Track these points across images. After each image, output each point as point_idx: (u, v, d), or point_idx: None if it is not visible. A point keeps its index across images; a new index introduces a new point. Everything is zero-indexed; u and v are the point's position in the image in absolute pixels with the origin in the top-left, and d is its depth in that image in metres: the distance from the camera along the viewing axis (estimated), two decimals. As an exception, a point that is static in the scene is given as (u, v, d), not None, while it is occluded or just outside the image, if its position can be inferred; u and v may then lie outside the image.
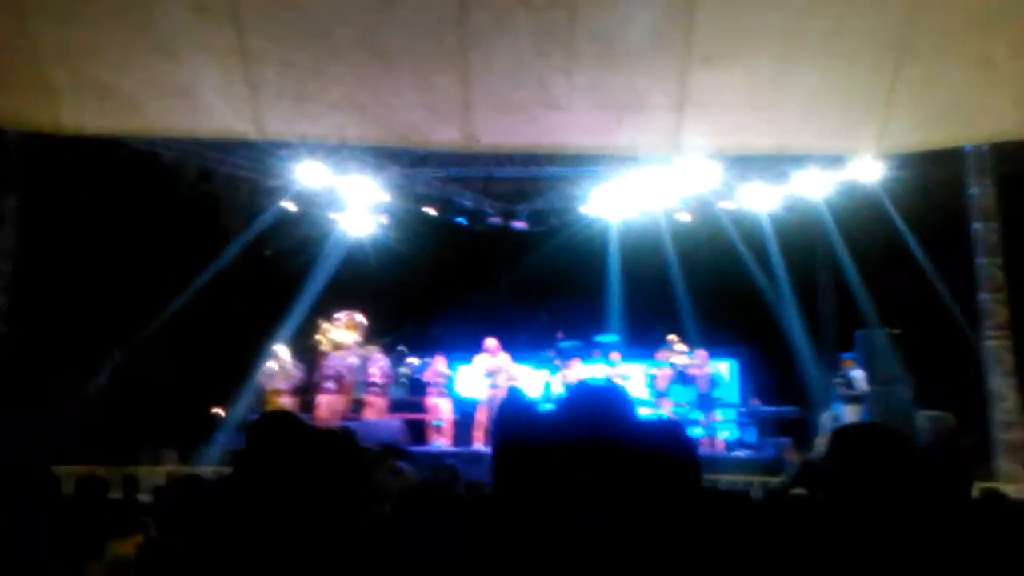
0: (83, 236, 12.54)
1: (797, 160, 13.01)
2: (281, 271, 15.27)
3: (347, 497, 1.59)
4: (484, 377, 13.60)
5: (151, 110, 4.51)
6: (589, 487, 1.61)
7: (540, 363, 15.01)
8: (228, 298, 15.04)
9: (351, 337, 14.26)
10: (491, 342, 13.76)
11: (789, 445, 12.75)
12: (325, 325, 14.52)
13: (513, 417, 1.91)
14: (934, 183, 11.75)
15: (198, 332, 14.24)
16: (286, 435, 2.36)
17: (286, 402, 13.27)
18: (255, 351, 14.34)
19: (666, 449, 1.71)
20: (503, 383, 13.17)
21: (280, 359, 13.54)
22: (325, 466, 1.58)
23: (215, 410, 14.33)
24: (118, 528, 3.08)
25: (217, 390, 14.09)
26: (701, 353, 14.02)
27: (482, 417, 13.29)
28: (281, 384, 13.40)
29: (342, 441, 1.62)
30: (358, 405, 14.20)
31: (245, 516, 1.67)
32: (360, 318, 14.57)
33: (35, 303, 12.17)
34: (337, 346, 14.02)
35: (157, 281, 13.48)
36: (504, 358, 13.68)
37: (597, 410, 1.71)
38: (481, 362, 13.56)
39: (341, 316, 14.42)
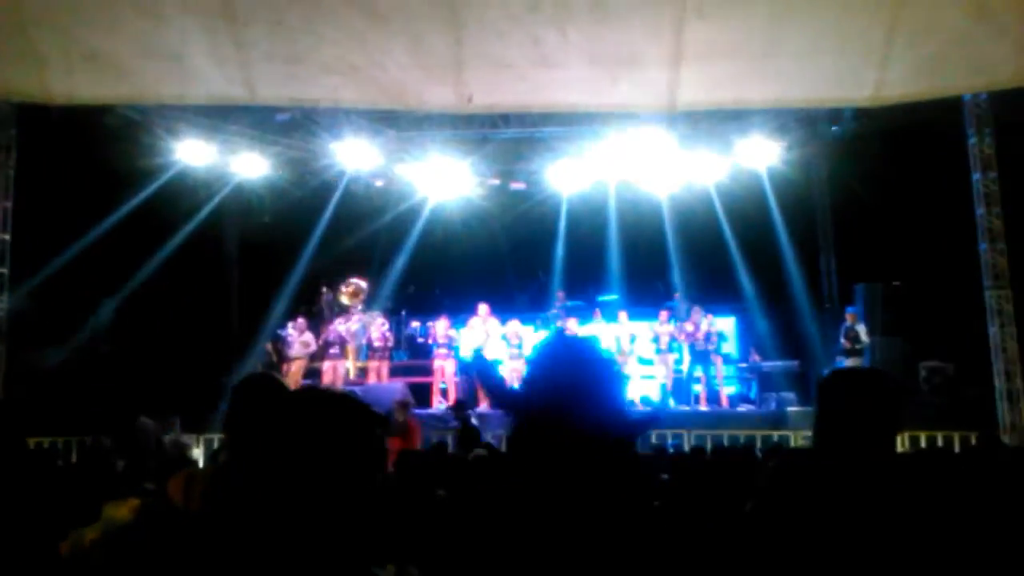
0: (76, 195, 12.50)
1: (796, 114, 12.92)
2: (280, 237, 15.26)
3: (352, 461, 1.57)
4: (501, 340, 13.76)
5: (141, 76, 4.46)
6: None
7: (542, 324, 15.06)
8: (225, 266, 15.09)
9: (353, 301, 14.38)
10: (482, 307, 13.82)
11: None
12: (326, 290, 14.62)
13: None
14: (934, 133, 11.67)
15: (195, 298, 14.31)
16: (268, 397, 2.37)
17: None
18: (258, 317, 14.41)
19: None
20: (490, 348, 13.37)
21: (299, 326, 13.65)
22: (323, 429, 1.57)
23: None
24: (119, 494, 3.08)
25: (219, 357, 14.16)
26: (696, 310, 14.07)
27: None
28: (301, 352, 13.50)
29: (340, 403, 1.60)
30: (362, 370, 14.29)
31: (242, 482, 1.67)
32: (362, 284, 14.65)
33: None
34: (342, 310, 14.18)
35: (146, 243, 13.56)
36: (493, 323, 13.75)
37: (569, 369, 1.69)
38: (473, 327, 13.65)
39: (347, 284, 14.53)
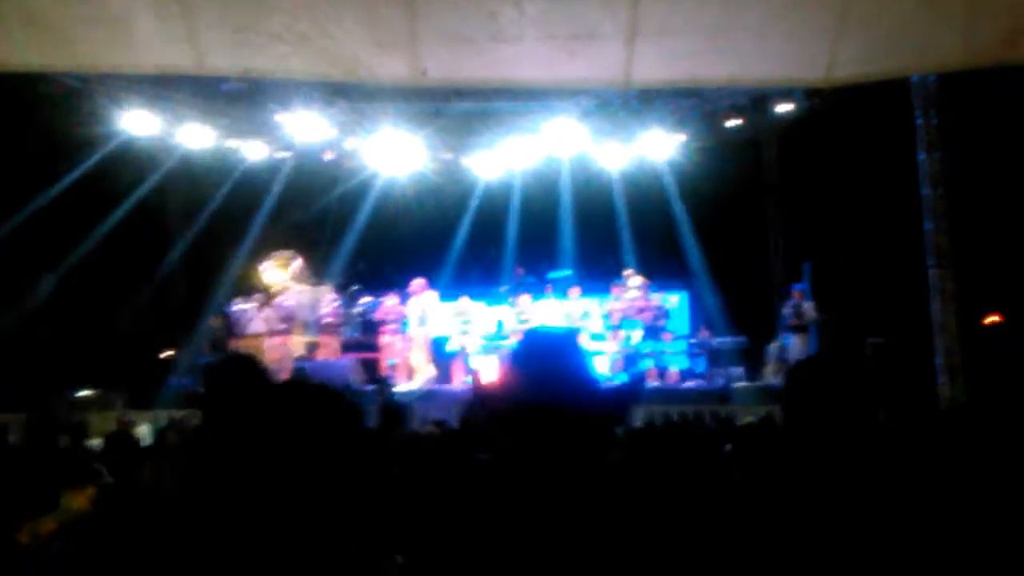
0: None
1: (748, 93, 13.04)
2: (227, 210, 14.99)
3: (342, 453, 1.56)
4: (453, 318, 13.74)
5: (84, 44, 4.31)
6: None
7: (494, 300, 15.05)
8: (170, 240, 14.79)
9: (281, 276, 14.16)
10: (417, 282, 13.75)
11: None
12: (262, 266, 14.42)
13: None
14: (882, 112, 11.86)
15: (133, 271, 14.02)
16: (252, 382, 2.33)
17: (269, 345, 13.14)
18: (203, 293, 14.16)
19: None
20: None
21: (258, 300, 13.36)
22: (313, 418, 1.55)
23: (165, 353, 14.16)
24: (69, 478, 3.02)
25: (164, 333, 13.92)
26: (643, 284, 14.17)
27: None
28: (262, 328, 13.21)
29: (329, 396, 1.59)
30: (311, 346, 14.14)
31: (218, 464, 1.63)
32: (290, 256, 14.44)
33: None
34: (269, 287, 13.92)
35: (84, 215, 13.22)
36: (430, 297, 13.69)
37: (550, 362, 1.70)
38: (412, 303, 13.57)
39: (272, 257, 14.31)
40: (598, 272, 15.65)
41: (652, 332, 13.90)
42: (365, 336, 14.57)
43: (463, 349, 13.80)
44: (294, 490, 1.46)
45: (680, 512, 1.85)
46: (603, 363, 14.15)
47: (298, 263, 14.74)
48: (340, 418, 1.55)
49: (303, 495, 1.46)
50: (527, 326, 13.71)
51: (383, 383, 11.74)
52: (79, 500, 2.54)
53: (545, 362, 1.70)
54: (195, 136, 13.74)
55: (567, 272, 15.62)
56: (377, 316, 13.93)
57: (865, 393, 2.17)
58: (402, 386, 12.81)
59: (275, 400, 1.56)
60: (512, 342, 13.73)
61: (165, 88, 12.87)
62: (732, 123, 13.96)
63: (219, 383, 2.40)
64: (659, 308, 14.00)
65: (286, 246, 14.91)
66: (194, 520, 1.55)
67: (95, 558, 2.06)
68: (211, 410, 2.42)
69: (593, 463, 1.64)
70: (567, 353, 1.72)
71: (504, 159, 15.04)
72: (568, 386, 1.66)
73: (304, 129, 13.81)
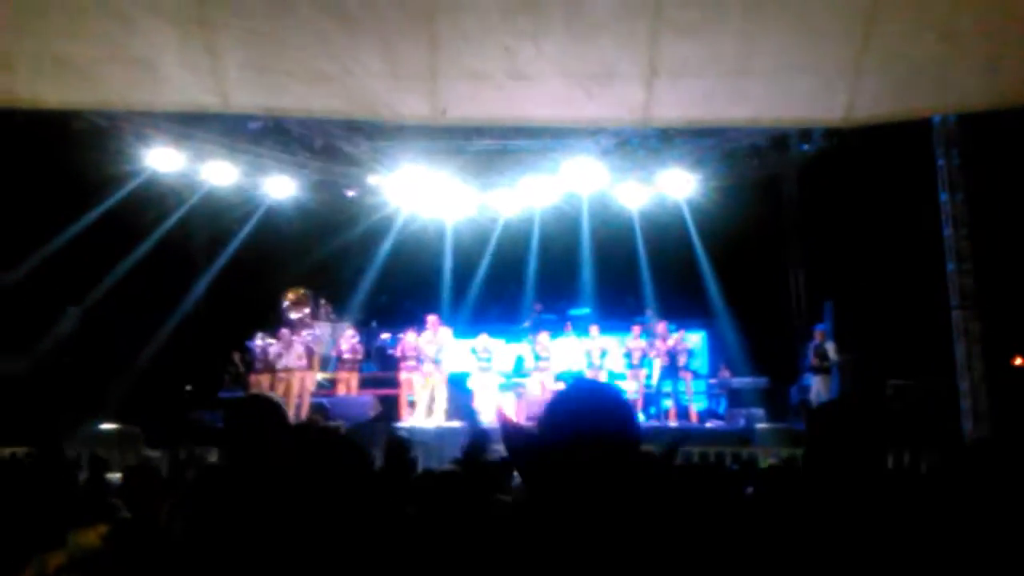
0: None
1: (768, 132, 13.06)
2: (250, 246, 15.13)
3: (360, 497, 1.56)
4: (470, 354, 13.71)
5: (110, 82, 4.38)
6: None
7: (513, 336, 15.03)
8: (188, 274, 14.92)
9: (302, 311, 14.28)
10: (431, 318, 13.74)
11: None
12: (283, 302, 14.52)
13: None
14: (903, 152, 11.82)
15: (157, 305, 14.13)
16: (278, 423, 2.33)
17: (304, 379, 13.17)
18: (225, 328, 14.24)
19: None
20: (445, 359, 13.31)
21: (284, 337, 13.39)
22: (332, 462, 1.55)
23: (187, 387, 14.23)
24: (84, 514, 3.00)
25: (185, 367, 13.98)
26: (661, 325, 14.11)
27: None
28: (281, 362, 13.24)
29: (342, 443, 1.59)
30: (330, 381, 14.15)
31: (240, 505, 1.62)
32: (311, 292, 14.55)
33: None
34: (290, 322, 14.02)
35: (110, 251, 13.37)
36: (444, 333, 13.68)
37: (595, 415, 1.69)
38: (424, 338, 13.54)
39: (294, 292, 14.42)
40: (618, 310, 15.62)
41: (672, 371, 13.80)
42: (384, 372, 14.56)
43: (481, 385, 13.75)
44: (306, 533, 1.45)
45: (705, 555, 1.82)
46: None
47: (319, 299, 14.83)
48: (349, 461, 1.54)
49: (315, 537, 1.45)
50: (546, 364, 13.66)
51: (388, 421, 11.69)
52: (88, 538, 2.52)
53: (590, 414, 1.68)
54: (219, 172, 13.89)
55: (586, 310, 15.60)
56: (396, 352, 13.91)
57: (887, 436, 2.15)
58: (420, 423, 12.76)
59: (289, 444, 1.56)
60: (533, 381, 13.69)
61: (189, 125, 13.07)
62: (751, 162, 13.96)
63: (238, 421, 2.41)
64: (680, 347, 13.91)
65: (307, 282, 15.01)
66: (204, 562, 1.54)
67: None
68: (229, 448, 2.43)
69: (625, 508, 1.61)
70: (613, 409, 1.71)
71: (524, 196, 15.09)
72: (612, 439, 1.65)
73: (326, 165, 13.94)
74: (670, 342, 13.82)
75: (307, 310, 14.48)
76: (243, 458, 2.29)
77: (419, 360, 13.47)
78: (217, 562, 1.50)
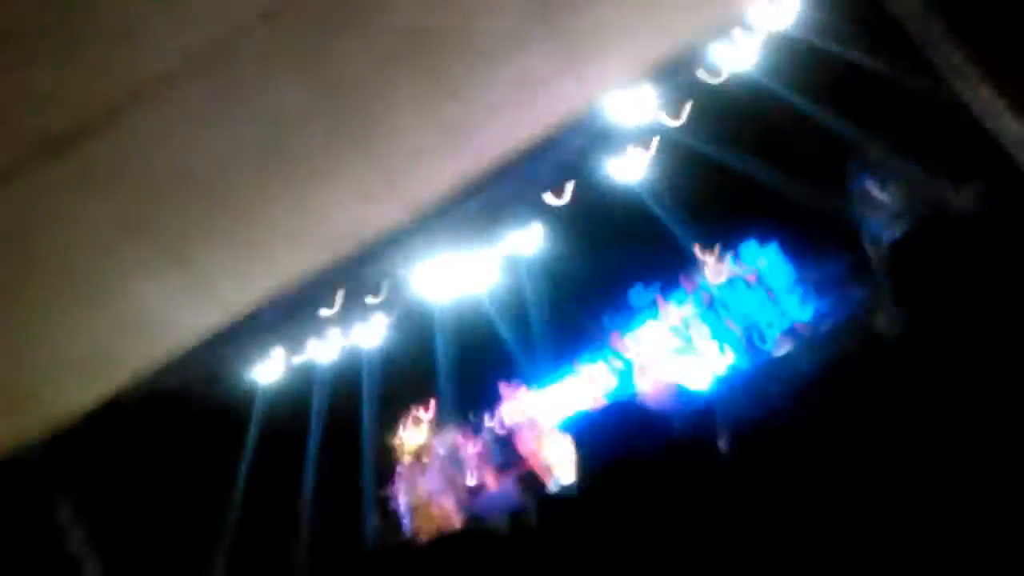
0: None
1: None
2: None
3: None
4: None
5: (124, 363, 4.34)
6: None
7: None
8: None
9: (421, 436, 14.05)
10: (503, 385, 13.67)
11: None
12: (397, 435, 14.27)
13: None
14: None
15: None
16: None
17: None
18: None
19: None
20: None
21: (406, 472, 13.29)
22: None
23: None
24: None
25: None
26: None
27: None
28: (423, 496, 13.13)
29: None
30: (473, 488, 13.84)
31: None
32: (420, 413, 14.30)
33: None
34: (416, 453, 13.79)
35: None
36: (525, 396, 13.57)
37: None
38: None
39: (402, 419, 14.25)
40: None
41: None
42: (506, 455, 14.18)
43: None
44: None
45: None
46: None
47: (427, 414, 14.40)
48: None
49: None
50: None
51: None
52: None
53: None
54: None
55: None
56: (505, 430, 13.65)
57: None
58: (558, 484, 12.53)
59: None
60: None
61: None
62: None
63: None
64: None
65: (401, 405, 14.49)
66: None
67: None
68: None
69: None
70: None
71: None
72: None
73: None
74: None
75: (426, 428, 14.23)
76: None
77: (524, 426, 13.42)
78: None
